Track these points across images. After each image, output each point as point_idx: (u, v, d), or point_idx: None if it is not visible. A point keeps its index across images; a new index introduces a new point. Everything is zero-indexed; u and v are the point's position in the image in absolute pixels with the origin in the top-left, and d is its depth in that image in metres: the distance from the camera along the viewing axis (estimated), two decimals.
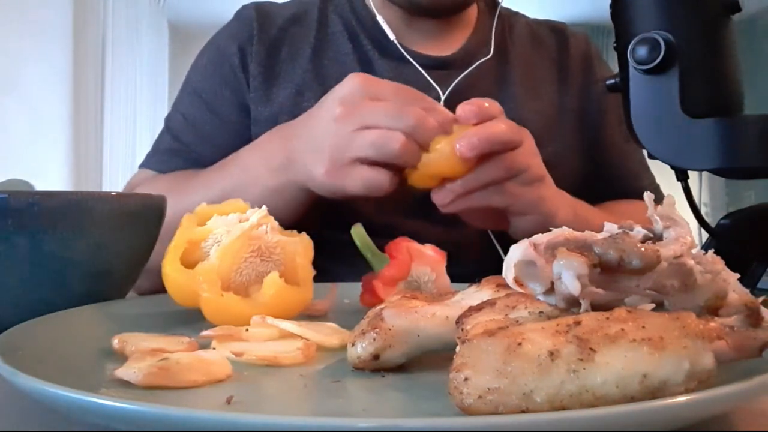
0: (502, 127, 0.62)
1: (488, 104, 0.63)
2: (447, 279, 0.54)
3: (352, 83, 0.64)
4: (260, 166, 0.72)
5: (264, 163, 0.71)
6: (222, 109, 0.88)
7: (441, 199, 0.64)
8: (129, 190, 0.91)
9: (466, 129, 0.61)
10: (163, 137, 0.92)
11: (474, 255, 0.79)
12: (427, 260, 0.54)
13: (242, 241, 0.49)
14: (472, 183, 0.63)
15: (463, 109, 0.63)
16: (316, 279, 0.53)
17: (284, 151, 0.69)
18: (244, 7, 0.92)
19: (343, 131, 0.62)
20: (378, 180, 0.62)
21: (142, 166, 0.92)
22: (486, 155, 0.61)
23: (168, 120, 0.93)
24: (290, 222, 0.66)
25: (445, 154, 0.60)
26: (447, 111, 0.63)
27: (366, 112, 0.62)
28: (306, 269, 0.52)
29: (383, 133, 0.60)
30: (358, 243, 0.54)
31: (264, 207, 0.53)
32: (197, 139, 0.88)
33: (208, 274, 0.47)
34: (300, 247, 0.52)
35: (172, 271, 0.49)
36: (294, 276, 0.51)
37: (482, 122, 0.62)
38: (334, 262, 0.73)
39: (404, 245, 0.53)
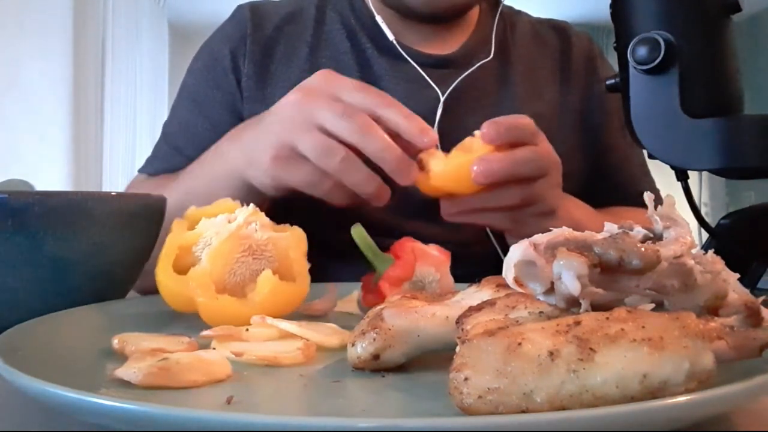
0: (527, 157, 0.59)
1: (517, 126, 0.60)
2: (451, 279, 0.54)
3: (317, 77, 0.62)
4: (218, 157, 0.72)
5: (221, 153, 0.72)
6: (213, 111, 0.88)
7: (447, 210, 0.63)
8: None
9: (488, 148, 0.58)
10: (160, 143, 0.93)
11: (474, 255, 0.79)
12: (431, 260, 0.54)
13: (232, 242, 0.49)
14: (482, 204, 0.61)
15: (488, 128, 0.59)
16: (316, 279, 0.53)
17: (241, 138, 0.69)
18: (240, 7, 0.92)
19: (294, 118, 0.60)
20: (318, 181, 0.60)
21: (140, 170, 0.94)
22: (509, 181, 0.59)
23: (165, 126, 0.94)
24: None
25: (459, 172, 0.58)
26: (403, 119, 0.59)
27: (317, 107, 0.60)
28: (300, 263, 0.52)
29: (325, 141, 0.59)
30: (358, 243, 0.54)
31: (252, 205, 0.53)
32: (189, 143, 0.88)
33: (201, 279, 0.47)
34: (292, 241, 0.52)
35: (165, 278, 0.49)
36: (289, 271, 0.51)
37: (508, 143, 0.59)
38: (334, 261, 0.73)
39: (409, 245, 0.53)
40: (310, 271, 0.52)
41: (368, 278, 0.55)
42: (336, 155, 0.58)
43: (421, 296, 0.42)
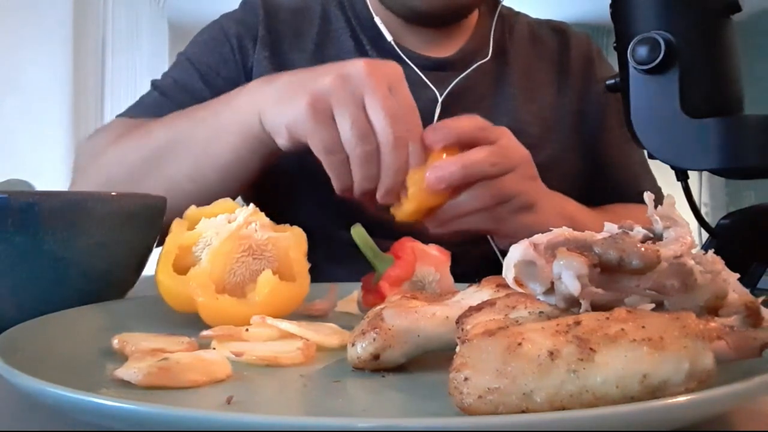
0: (479, 157, 0.59)
1: (457, 128, 0.60)
2: (451, 279, 0.54)
3: (357, 68, 0.60)
4: (260, 100, 0.67)
5: (267, 95, 0.67)
6: (215, 82, 0.85)
7: (431, 225, 0.63)
8: (89, 138, 0.87)
9: (439, 157, 0.59)
10: (150, 94, 0.88)
11: (473, 253, 0.79)
12: (431, 260, 0.54)
13: (232, 242, 0.49)
14: (456, 211, 0.62)
15: (428, 135, 0.60)
16: (316, 279, 0.53)
17: (260, 94, 0.66)
18: None
19: (349, 82, 0.59)
20: (336, 151, 0.59)
21: (120, 115, 0.88)
22: (470, 183, 0.60)
23: (155, 82, 0.89)
24: (250, 179, 0.67)
25: (418, 187, 0.59)
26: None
27: (373, 91, 0.59)
28: (300, 263, 0.52)
29: (365, 124, 0.58)
30: (358, 243, 0.54)
31: (251, 205, 0.52)
32: (187, 98, 0.83)
33: (201, 279, 0.47)
34: (292, 241, 0.52)
35: (165, 278, 0.49)
36: (289, 271, 0.51)
37: (462, 145, 0.60)
38: (334, 261, 0.73)
39: (409, 245, 0.53)
40: (310, 271, 0.52)
41: (368, 278, 0.55)
42: (366, 144, 0.58)
43: (421, 296, 0.42)
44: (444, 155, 0.60)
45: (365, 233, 0.54)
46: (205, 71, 0.87)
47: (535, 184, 0.67)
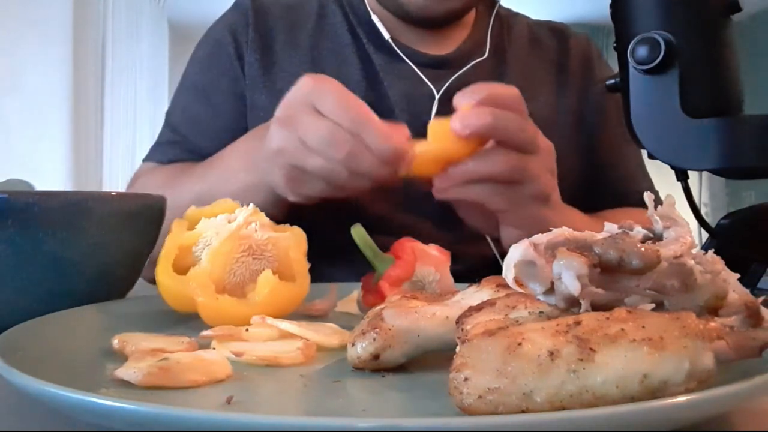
0: (508, 115, 0.57)
1: (497, 95, 0.58)
2: (451, 279, 0.54)
3: (300, 88, 0.60)
4: (238, 164, 0.72)
5: (241, 162, 0.71)
6: (218, 98, 0.88)
7: (439, 182, 0.60)
8: (131, 182, 0.93)
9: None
10: (164, 131, 0.93)
11: (471, 252, 0.78)
12: (431, 260, 0.54)
13: (232, 242, 0.49)
14: (470, 171, 0.59)
15: (460, 94, 0.58)
16: (317, 279, 0.53)
17: (255, 151, 0.67)
18: None
19: (286, 139, 0.59)
20: (337, 189, 0.59)
21: (145, 159, 0.94)
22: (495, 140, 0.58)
23: (167, 114, 0.94)
24: (282, 216, 0.66)
25: (438, 136, 0.57)
26: (384, 140, 0.57)
27: (303, 128, 0.58)
28: (300, 263, 0.52)
29: (327, 164, 0.57)
30: (358, 243, 0.54)
31: (251, 205, 0.53)
32: (194, 130, 0.88)
33: (201, 279, 0.47)
34: (292, 241, 0.52)
35: (165, 278, 0.49)
36: (289, 271, 0.51)
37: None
38: (334, 261, 0.72)
39: (409, 245, 0.53)
40: (311, 271, 0.52)
41: (368, 278, 0.55)
42: (337, 133, 0.56)
43: (421, 296, 0.42)
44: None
45: (365, 233, 0.54)
46: (207, 89, 0.89)
47: (553, 179, 0.66)
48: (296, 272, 0.51)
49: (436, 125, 0.58)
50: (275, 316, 0.45)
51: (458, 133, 0.57)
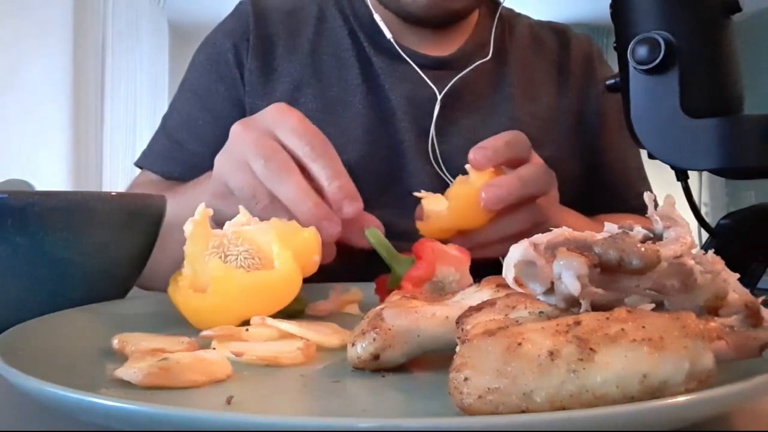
0: (532, 174, 0.57)
1: (507, 143, 0.57)
2: (470, 279, 0.54)
3: (268, 110, 0.57)
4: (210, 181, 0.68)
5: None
6: (216, 105, 0.88)
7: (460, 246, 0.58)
8: (128, 190, 0.92)
9: (484, 176, 0.56)
10: (158, 136, 0.92)
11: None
12: (451, 260, 0.53)
13: (197, 242, 0.49)
14: (495, 235, 0.58)
15: (475, 154, 0.56)
16: (317, 279, 0.53)
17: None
18: (241, 3, 0.93)
19: (232, 153, 0.56)
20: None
21: (138, 164, 0.93)
22: (512, 205, 0.57)
23: (164, 118, 0.93)
24: None
25: (465, 205, 0.56)
26: (328, 178, 0.53)
27: (247, 146, 0.55)
28: (282, 256, 0.48)
29: (251, 182, 0.54)
30: (374, 244, 0.54)
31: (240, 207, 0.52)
32: (190, 136, 0.88)
33: (183, 288, 0.48)
34: (273, 234, 0.49)
35: (176, 297, 0.48)
36: (271, 265, 0.49)
37: (503, 164, 0.57)
38: (334, 261, 0.72)
39: (429, 245, 0.53)
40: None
41: (382, 280, 0.54)
42: (259, 201, 0.54)
43: (421, 296, 0.42)
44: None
45: (380, 234, 0.54)
46: (205, 95, 0.89)
47: (558, 206, 0.65)
48: (280, 265, 0.48)
49: (456, 189, 0.57)
50: (263, 312, 0.45)
51: (490, 209, 0.56)
